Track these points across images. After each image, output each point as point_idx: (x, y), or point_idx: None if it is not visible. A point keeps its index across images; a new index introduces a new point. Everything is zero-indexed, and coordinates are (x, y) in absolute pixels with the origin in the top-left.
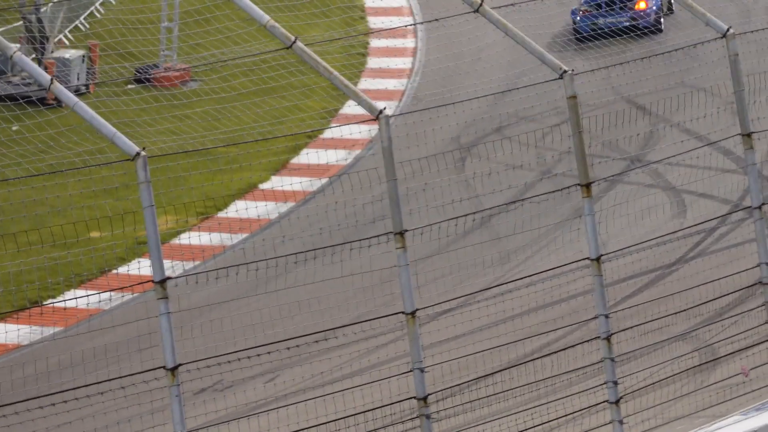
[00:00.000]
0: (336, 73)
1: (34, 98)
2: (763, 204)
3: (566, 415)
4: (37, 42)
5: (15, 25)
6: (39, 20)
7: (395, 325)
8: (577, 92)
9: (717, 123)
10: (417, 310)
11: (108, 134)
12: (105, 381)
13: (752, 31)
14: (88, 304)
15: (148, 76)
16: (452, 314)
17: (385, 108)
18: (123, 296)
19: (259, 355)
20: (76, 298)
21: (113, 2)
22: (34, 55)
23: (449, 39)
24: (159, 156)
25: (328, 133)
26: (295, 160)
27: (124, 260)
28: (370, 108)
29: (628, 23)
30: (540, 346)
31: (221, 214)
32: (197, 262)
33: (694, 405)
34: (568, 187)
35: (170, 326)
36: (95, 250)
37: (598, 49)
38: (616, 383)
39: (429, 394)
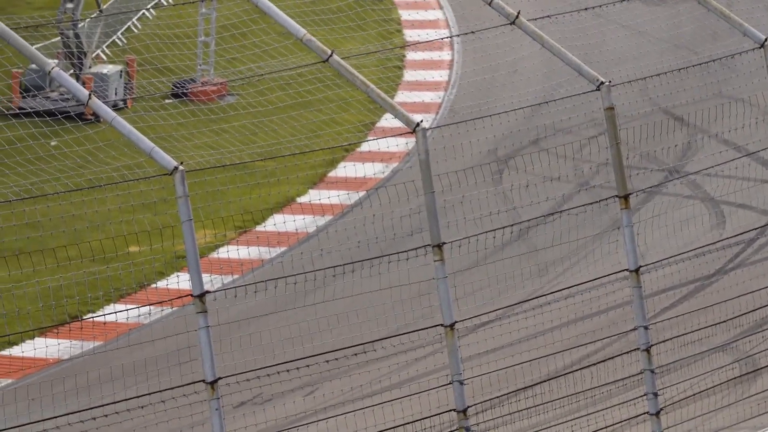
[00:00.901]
0: (372, 86)
1: (72, 113)
2: None
3: (606, 427)
4: (74, 57)
5: (53, 40)
6: (77, 36)
7: (434, 338)
8: (614, 103)
9: (755, 133)
10: (456, 322)
11: (146, 149)
12: (145, 395)
13: None
14: (127, 318)
15: (185, 91)
16: (491, 326)
17: (422, 121)
18: (162, 310)
19: (298, 368)
20: (115, 313)
21: (150, 17)
22: (72, 71)
23: (485, 51)
24: (197, 170)
25: (365, 146)
26: (332, 174)
27: (162, 274)
28: (407, 121)
29: None
30: (579, 357)
31: (259, 228)
32: (236, 276)
33: (734, 416)
34: (606, 199)
35: (209, 340)
36: (134, 265)
37: (635, 60)
38: (656, 395)
39: (468, 407)
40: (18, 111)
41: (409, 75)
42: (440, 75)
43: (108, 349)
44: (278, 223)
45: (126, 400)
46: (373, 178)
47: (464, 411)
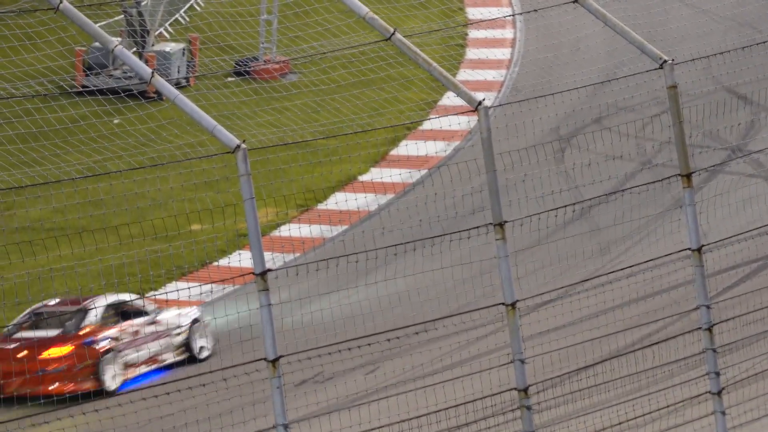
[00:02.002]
0: (435, 64)
1: (135, 92)
2: None
3: (668, 406)
4: (137, 35)
5: (116, 18)
6: (140, 14)
7: (495, 317)
8: (677, 82)
9: None
10: (517, 301)
11: (208, 127)
12: (207, 372)
13: None
14: (189, 296)
15: (247, 69)
16: (552, 305)
17: (484, 99)
18: (224, 288)
19: (359, 347)
20: (177, 291)
21: None
22: (134, 49)
23: (548, 29)
24: (259, 148)
25: (427, 125)
26: (394, 152)
27: (224, 252)
28: (469, 99)
29: None
30: (641, 337)
31: (321, 206)
32: (297, 254)
33: None
34: (669, 178)
35: (271, 318)
36: (196, 243)
37: (699, 39)
38: (718, 374)
39: (529, 386)
40: (81, 89)
41: (471, 53)
42: (503, 53)
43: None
44: (340, 201)
45: (188, 378)
46: (435, 156)
47: (525, 390)
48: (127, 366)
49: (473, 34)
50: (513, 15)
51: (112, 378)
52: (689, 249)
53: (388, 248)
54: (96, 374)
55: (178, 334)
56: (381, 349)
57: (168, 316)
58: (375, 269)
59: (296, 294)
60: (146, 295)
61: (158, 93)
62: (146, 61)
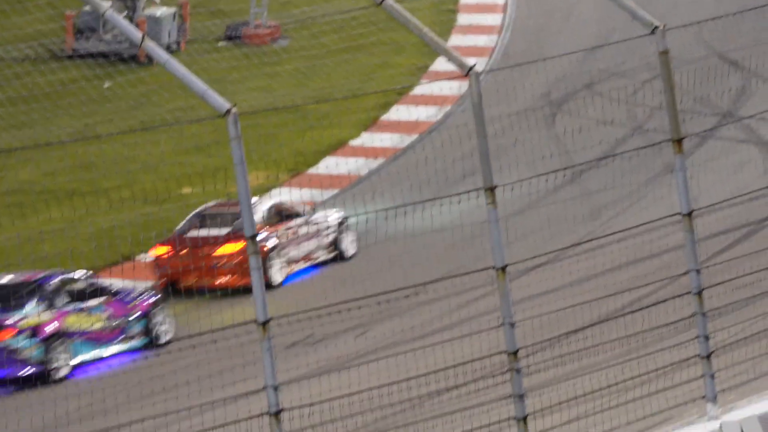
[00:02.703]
0: (426, 29)
1: (125, 56)
2: None
3: (657, 370)
4: (128, 0)
5: None
6: None
7: (486, 280)
8: (669, 47)
9: None
10: (507, 265)
11: (199, 91)
12: (197, 335)
13: None
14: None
15: (238, 34)
16: (543, 269)
17: (475, 64)
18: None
19: (350, 309)
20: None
21: None
22: (125, 13)
23: None
24: (250, 113)
25: (418, 90)
26: (385, 117)
27: None
28: (460, 64)
29: None
30: (631, 301)
31: (312, 171)
32: None
33: None
34: (660, 143)
35: (261, 282)
36: (186, 206)
37: (691, 5)
38: (707, 338)
39: (519, 349)
40: (72, 53)
41: (462, 18)
42: (494, 18)
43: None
44: (330, 165)
45: (179, 339)
46: (426, 121)
47: (515, 353)
48: (289, 262)
49: None
50: None
51: (278, 273)
52: (680, 214)
53: (378, 212)
54: (264, 269)
55: (328, 234)
56: (371, 312)
57: (319, 217)
58: (366, 233)
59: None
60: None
61: (149, 57)
62: (137, 26)
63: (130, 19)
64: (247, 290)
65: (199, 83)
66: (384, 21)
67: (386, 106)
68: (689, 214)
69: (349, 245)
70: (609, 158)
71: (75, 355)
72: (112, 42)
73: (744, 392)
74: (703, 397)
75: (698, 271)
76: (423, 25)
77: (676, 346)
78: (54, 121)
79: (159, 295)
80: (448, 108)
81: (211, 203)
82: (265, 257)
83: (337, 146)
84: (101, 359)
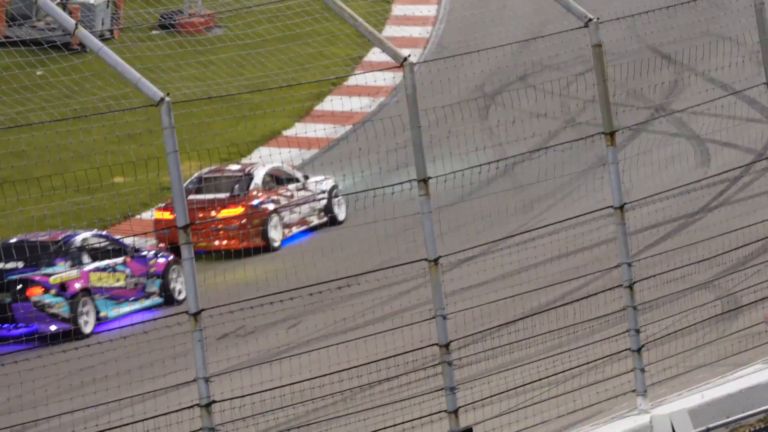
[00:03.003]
0: (361, 20)
1: (58, 43)
2: None
3: (588, 363)
4: None
5: None
6: None
7: (418, 272)
8: (602, 40)
9: (742, 72)
10: (440, 257)
11: (132, 79)
12: (128, 326)
13: None
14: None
15: (172, 22)
16: (475, 262)
17: (409, 55)
18: (146, 241)
19: (281, 300)
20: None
21: None
22: (58, 0)
23: None
24: (183, 102)
25: (352, 81)
26: (319, 107)
27: (147, 205)
28: (394, 55)
29: None
30: (562, 294)
31: (245, 161)
32: None
33: (716, 353)
34: (592, 136)
35: (193, 271)
36: (119, 195)
37: None
38: (638, 331)
39: (451, 341)
40: (4, 40)
41: (397, 9)
42: (428, 10)
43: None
44: (264, 155)
45: (109, 330)
46: (360, 112)
47: (447, 345)
48: (285, 226)
49: None
50: None
51: (276, 236)
52: (611, 207)
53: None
54: (263, 233)
55: (321, 199)
56: (303, 303)
57: (311, 183)
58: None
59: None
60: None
61: (82, 45)
62: (70, 13)
63: (63, 6)
64: (247, 252)
65: (132, 71)
66: (319, 11)
67: (320, 97)
68: (621, 207)
69: (339, 211)
70: (542, 151)
71: (99, 311)
72: (45, 29)
73: (674, 386)
74: (634, 390)
75: (629, 264)
76: (358, 15)
77: (607, 339)
78: None
79: (173, 255)
80: (382, 99)
81: (206, 169)
82: (266, 220)
83: (270, 136)
84: (123, 316)
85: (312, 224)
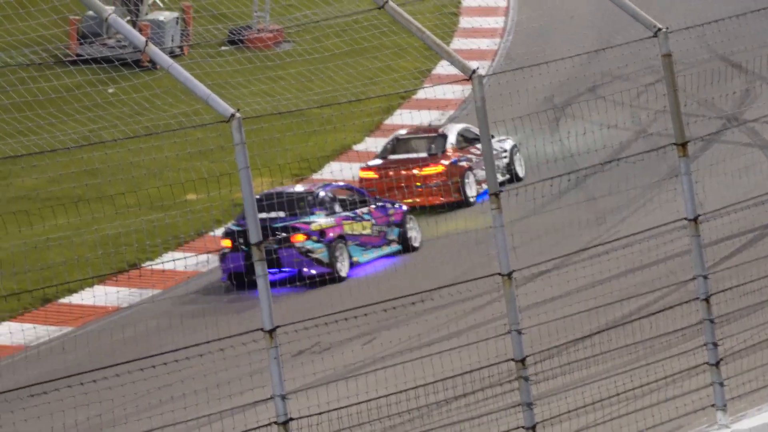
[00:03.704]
0: (428, 32)
1: (129, 60)
2: None
3: (665, 377)
4: (131, 4)
5: None
6: None
7: (492, 287)
8: (671, 50)
9: None
10: (513, 271)
11: (202, 96)
12: (204, 343)
13: None
14: (185, 266)
15: (241, 38)
16: (549, 275)
17: (478, 68)
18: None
19: (356, 317)
20: (173, 260)
21: None
22: (128, 18)
23: None
24: (253, 117)
25: (421, 94)
26: (388, 121)
27: (220, 222)
28: (462, 68)
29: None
30: (638, 307)
31: (316, 176)
32: None
33: None
34: (664, 147)
35: (267, 288)
36: (192, 212)
37: (693, 7)
38: (715, 345)
39: (527, 356)
40: (75, 58)
41: (465, 21)
42: (496, 21)
43: (166, 297)
44: (335, 170)
45: (186, 348)
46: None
47: (522, 360)
48: (480, 182)
49: (467, 2)
50: None
51: (470, 192)
52: (685, 219)
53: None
54: (461, 189)
55: (504, 157)
56: (378, 319)
57: (495, 141)
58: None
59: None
60: (143, 265)
61: (152, 62)
62: (140, 30)
63: (133, 23)
64: (450, 206)
65: (202, 88)
66: (387, 24)
67: (389, 111)
68: (695, 219)
69: (520, 168)
70: (613, 162)
71: (351, 256)
72: (116, 47)
73: (754, 400)
74: (713, 405)
75: (705, 277)
76: (425, 28)
77: (685, 353)
78: (59, 127)
79: (407, 208)
80: (451, 112)
81: (402, 130)
82: (462, 176)
83: (340, 151)
84: (369, 261)
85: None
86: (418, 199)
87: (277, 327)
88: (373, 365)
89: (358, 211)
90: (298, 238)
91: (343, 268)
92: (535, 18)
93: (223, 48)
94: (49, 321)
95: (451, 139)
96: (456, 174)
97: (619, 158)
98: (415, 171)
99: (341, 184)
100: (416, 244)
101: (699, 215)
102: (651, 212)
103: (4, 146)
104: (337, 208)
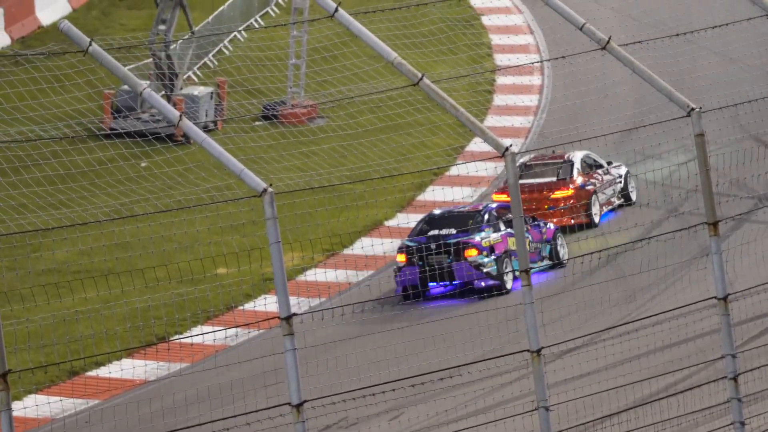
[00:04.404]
0: (462, 109)
1: (162, 135)
2: None
3: None
4: (166, 79)
5: (145, 62)
6: (168, 57)
7: (520, 363)
8: (704, 130)
9: None
10: (542, 348)
11: (235, 170)
12: (231, 417)
13: None
14: (214, 340)
15: (275, 113)
16: (578, 353)
17: (511, 145)
18: (249, 332)
19: (384, 392)
20: (202, 334)
21: (242, 39)
22: (163, 92)
23: (576, 76)
24: (286, 192)
25: (454, 170)
26: (420, 197)
27: (250, 296)
28: (496, 145)
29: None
30: (666, 385)
31: (347, 251)
32: (323, 299)
33: None
34: (696, 226)
35: (296, 362)
36: (222, 286)
37: (726, 87)
38: (743, 424)
39: None
40: (109, 131)
41: (499, 99)
42: (530, 99)
43: (194, 371)
44: (366, 246)
45: (212, 422)
46: (462, 202)
47: None
48: (601, 205)
49: (501, 80)
50: (541, 61)
51: (596, 214)
52: (715, 297)
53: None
54: (587, 211)
55: (619, 182)
56: (405, 394)
57: (612, 168)
58: (400, 314)
59: (321, 338)
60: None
61: (186, 136)
62: (174, 105)
63: (168, 98)
64: (579, 227)
65: (235, 162)
66: (421, 101)
67: (422, 187)
68: (725, 298)
69: (633, 192)
70: (644, 240)
71: (513, 270)
72: (150, 121)
73: None
74: None
75: (734, 356)
76: (459, 105)
77: (712, 431)
78: (91, 200)
79: (557, 226)
80: (483, 189)
81: (527, 157)
82: (590, 198)
83: (372, 227)
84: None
85: (614, 205)
86: (555, 220)
87: (305, 401)
88: None
89: None
90: (471, 253)
91: (508, 281)
92: (569, 97)
93: (256, 123)
94: (75, 394)
95: (577, 164)
96: (584, 197)
97: (650, 236)
98: (547, 194)
99: (498, 204)
100: (564, 259)
101: (729, 294)
102: (681, 291)
103: (35, 219)
104: (501, 225)
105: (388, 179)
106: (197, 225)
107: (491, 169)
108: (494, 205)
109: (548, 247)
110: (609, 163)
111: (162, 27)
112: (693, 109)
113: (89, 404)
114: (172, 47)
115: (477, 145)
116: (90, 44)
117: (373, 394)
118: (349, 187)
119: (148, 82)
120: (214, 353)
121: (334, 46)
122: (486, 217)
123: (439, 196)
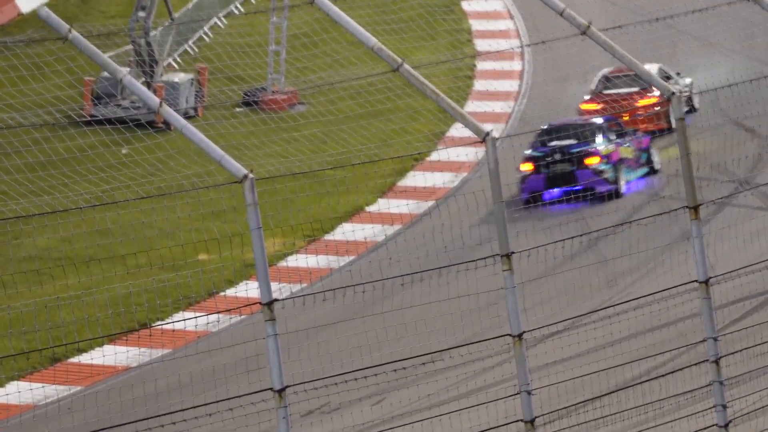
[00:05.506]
0: (443, 95)
1: (143, 121)
2: None
3: None
4: (146, 66)
5: (125, 48)
6: (148, 44)
7: (502, 348)
8: (685, 114)
9: None
10: (524, 332)
11: (216, 157)
12: (213, 402)
13: None
14: (196, 326)
15: (255, 99)
16: (559, 337)
17: (492, 130)
18: (231, 318)
19: (366, 377)
20: (184, 320)
21: (222, 26)
22: (143, 79)
23: (556, 62)
24: (267, 178)
25: (434, 156)
26: (401, 183)
27: (231, 282)
28: (476, 130)
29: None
30: (648, 369)
31: (328, 237)
32: (304, 284)
33: None
34: (676, 210)
35: (278, 348)
36: (203, 273)
37: (706, 71)
38: (725, 407)
39: (536, 417)
40: (89, 119)
41: (479, 84)
42: (510, 85)
43: (176, 357)
44: (347, 231)
45: (194, 407)
46: (443, 187)
47: (532, 422)
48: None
49: (481, 65)
50: (521, 47)
51: (657, 159)
52: (696, 281)
53: (395, 279)
54: (668, 116)
55: (686, 92)
56: (388, 379)
57: (678, 78)
58: (382, 299)
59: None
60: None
61: (166, 123)
62: (155, 91)
63: (148, 84)
64: (661, 131)
65: (216, 149)
66: (401, 87)
67: (403, 172)
68: (706, 282)
69: (697, 102)
70: (625, 225)
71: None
72: (130, 108)
73: None
74: None
75: (715, 339)
76: (439, 91)
77: (694, 415)
78: (72, 187)
79: (650, 135)
80: (464, 174)
81: (606, 69)
82: (668, 106)
83: (353, 212)
84: (632, 180)
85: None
86: (641, 126)
87: (287, 387)
88: (382, 426)
89: (626, 138)
90: (593, 161)
91: (622, 186)
92: (549, 82)
93: (237, 109)
94: (57, 380)
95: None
96: (666, 104)
97: (631, 221)
98: (632, 102)
99: (609, 117)
100: (658, 167)
101: (710, 278)
102: (662, 275)
103: (16, 206)
104: (612, 136)
105: (368, 165)
106: (178, 211)
107: (472, 154)
108: (606, 118)
109: (645, 155)
110: (678, 74)
111: (142, 14)
112: (673, 93)
113: (71, 391)
114: (152, 34)
115: (458, 130)
116: (70, 31)
117: (356, 379)
118: (330, 173)
119: (128, 69)
120: (196, 339)
121: (314, 32)
122: (601, 129)
123: (420, 181)
